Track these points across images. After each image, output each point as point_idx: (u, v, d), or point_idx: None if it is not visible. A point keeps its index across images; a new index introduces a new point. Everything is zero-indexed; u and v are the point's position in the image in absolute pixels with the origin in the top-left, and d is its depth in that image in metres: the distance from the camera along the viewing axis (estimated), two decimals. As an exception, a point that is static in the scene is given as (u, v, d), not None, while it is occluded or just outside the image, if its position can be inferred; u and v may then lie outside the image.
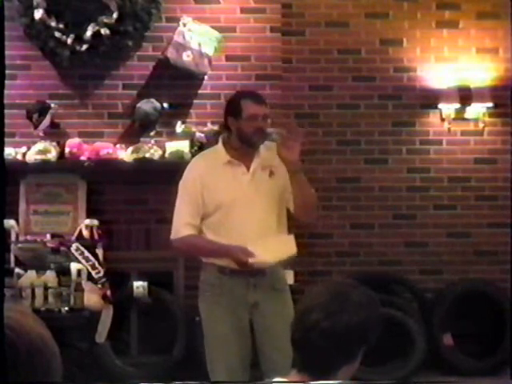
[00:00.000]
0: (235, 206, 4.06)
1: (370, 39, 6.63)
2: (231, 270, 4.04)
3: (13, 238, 5.72)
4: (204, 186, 4.08)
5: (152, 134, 5.97)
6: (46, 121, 5.90)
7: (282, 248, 4.09)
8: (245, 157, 4.12)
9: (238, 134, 4.10)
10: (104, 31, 5.86)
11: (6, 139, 5.29)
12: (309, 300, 2.25)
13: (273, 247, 4.07)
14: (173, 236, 4.17)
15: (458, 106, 6.61)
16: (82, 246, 5.67)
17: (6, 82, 5.17)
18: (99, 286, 5.62)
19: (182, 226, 4.11)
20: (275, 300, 4.12)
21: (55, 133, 6.00)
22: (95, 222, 5.79)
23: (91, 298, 5.59)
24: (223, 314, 4.07)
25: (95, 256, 5.67)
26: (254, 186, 4.10)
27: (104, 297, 5.60)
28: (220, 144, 4.20)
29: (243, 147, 4.12)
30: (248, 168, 4.11)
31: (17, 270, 5.61)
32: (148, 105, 5.94)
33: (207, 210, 4.09)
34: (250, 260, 3.92)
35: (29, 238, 5.81)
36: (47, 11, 5.84)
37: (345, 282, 2.30)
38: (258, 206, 4.07)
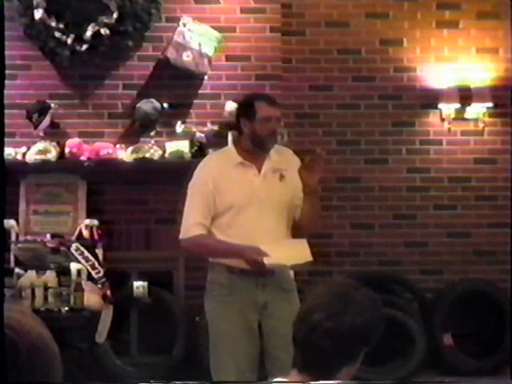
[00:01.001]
0: (246, 207, 4.06)
1: (370, 39, 6.63)
2: (241, 270, 4.03)
3: (13, 238, 5.72)
4: (216, 186, 4.07)
5: (152, 134, 5.96)
6: (46, 121, 5.89)
7: (297, 253, 4.10)
8: (256, 158, 4.12)
9: (251, 136, 4.10)
10: (104, 31, 5.86)
11: (6, 139, 5.28)
12: (311, 300, 2.25)
13: (288, 251, 4.08)
14: (182, 235, 4.14)
15: (458, 106, 6.60)
16: (82, 245, 5.67)
17: (6, 82, 5.16)
18: (99, 285, 5.62)
19: (192, 225, 4.09)
20: (283, 300, 4.11)
21: (55, 133, 6.00)
22: (95, 222, 5.79)
23: (91, 297, 5.59)
24: (232, 314, 4.05)
25: (95, 256, 5.67)
26: (264, 187, 4.10)
27: (104, 297, 5.60)
28: (231, 145, 4.21)
29: (255, 149, 4.12)
30: (259, 170, 4.12)
31: (17, 269, 5.61)
32: (148, 105, 5.94)
33: (218, 210, 4.07)
34: (266, 261, 3.92)
35: (29, 238, 5.81)
36: (47, 11, 5.84)
37: (347, 283, 2.30)
38: (268, 207, 4.07)
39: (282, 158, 4.18)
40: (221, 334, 4.10)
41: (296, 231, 4.26)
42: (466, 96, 6.58)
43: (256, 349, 4.09)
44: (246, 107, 4.16)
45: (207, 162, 4.28)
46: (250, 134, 4.10)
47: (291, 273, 5.15)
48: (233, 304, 4.06)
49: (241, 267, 4.02)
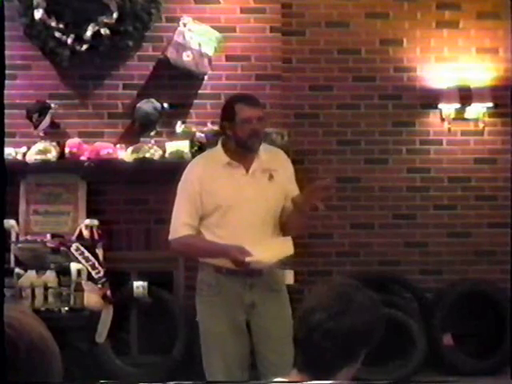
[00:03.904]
0: (234, 207, 4.07)
1: (370, 39, 6.63)
2: (228, 270, 4.05)
3: (13, 238, 5.72)
4: (203, 186, 4.09)
5: (152, 134, 5.96)
6: (46, 121, 5.89)
7: (279, 248, 4.12)
8: (244, 158, 4.14)
9: (234, 138, 4.12)
10: (104, 31, 5.86)
11: (6, 139, 5.29)
12: (312, 300, 2.24)
13: (270, 248, 4.09)
14: (171, 236, 4.19)
15: (458, 105, 6.60)
16: (82, 246, 5.68)
17: (6, 82, 5.15)
18: (99, 285, 5.62)
19: (180, 226, 4.13)
20: (272, 301, 4.13)
21: (55, 133, 6.00)
22: (95, 222, 5.79)
23: (91, 297, 5.59)
24: (220, 314, 4.09)
25: (95, 256, 5.67)
26: (252, 187, 4.12)
27: (104, 297, 5.60)
28: (219, 145, 4.22)
29: (240, 150, 4.13)
30: (247, 170, 4.13)
31: (17, 269, 5.61)
32: (148, 105, 5.94)
33: (206, 210, 4.10)
34: (247, 259, 3.93)
35: (29, 238, 5.80)
36: (47, 11, 5.84)
37: (348, 283, 2.30)
38: (256, 207, 4.09)
39: (273, 159, 4.20)
40: (210, 334, 4.14)
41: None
42: (466, 96, 6.57)
43: (245, 348, 4.12)
44: (226, 110, 4.18)
45: (195, 162, 4.31)
46: (232, 136, 4.12)
47: (290, 273, 5.15)
48: (220, 304, 4.09)
49: (228, 267, 4.04)
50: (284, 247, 4.11)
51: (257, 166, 4.14)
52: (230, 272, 4.04)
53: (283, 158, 4.29)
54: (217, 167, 4.14)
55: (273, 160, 4.19)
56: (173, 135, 5.99)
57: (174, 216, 4.18)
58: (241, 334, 4.10)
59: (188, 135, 5.94)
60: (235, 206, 4.07)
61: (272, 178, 4.15)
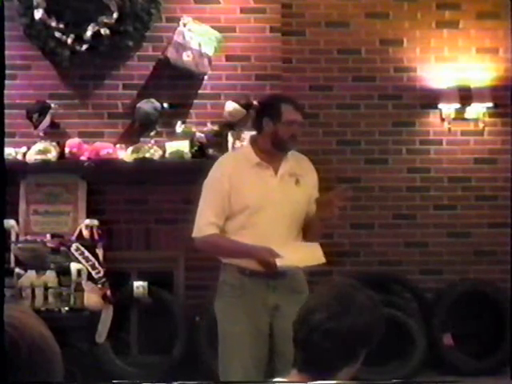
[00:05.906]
0: (261, 209, 4.04)
1: (370, 39, 6.63)
2: (251, 272, 4.01)
3: (13, 238, 5.72)
4: (232, 186, 4.05)
5: (152, 134, 5.97)
6: (46, 121, 5.90)
7: (310, 255, 4.08)
8: (273, 160, 4.12)
9: (273, 137, 4.09)
10: (104, 31, 5.86)
11: (6, 139, 5.29)
12: (312, 301, 2.25)
13: (301, 253, 4.07)
14: (195, 234, 4.12)
15: (458, 106, 6.60)
16: (82, 246, 5.68)
17: (6, 82, 5.17)
18: (99, 285, 5.62)
19: (205, 224, 4.06)
20: (296, 303, 4.06)
21: (55, 133, 6.00)
22: (95, 222, 5.79)
23: (91, 297, 5.59)
24: (242, 315, 4.03)
25: (95, 256, 5.67)
26: (281, 189, 4.10)
27: (104, 297, 5.60)
28: (248, 145, 4.20)
29: (273, 150, 4.11)
30: (276, 171, 4.11)
31: (17, 269, 5.61)
32: (148, 105, 5.94)
33: (233, 210, 4.05)
34: (279, 263, 3.91)
35: (29, 237, 5.81)
36: (47, 11, 5.84)
37: (349, 284, 2.30)
38: (283, 209, 4.07)
39: (300, 164, 4.20)
40: (229, 334, 4.07)
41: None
42: (465, 96, 6.58)
43: (264, 351, 4.06)
44: (272, 108, 4.14)
45: (224, 160, 4.26)
46: (271, 134, 4.09)
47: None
48: (243, 305, 4.03)
49: (252, 268, 4.00)
50: (315, 254, 4.07)
51: (285, 169, 4.12)
52: (254, 273, 4.00)
53: (309, 165, 4.28)
54: (246, 167, 4.10)
55: (299, 165, 4.19)
56: (173, 135, 5.99)
57: (200, 213, 4.10)
58: (261, 336, 4.04)
59: (188, 135, 5.94)
60: (263, 207, 4.04)
61: (298, 183, 4.14)
